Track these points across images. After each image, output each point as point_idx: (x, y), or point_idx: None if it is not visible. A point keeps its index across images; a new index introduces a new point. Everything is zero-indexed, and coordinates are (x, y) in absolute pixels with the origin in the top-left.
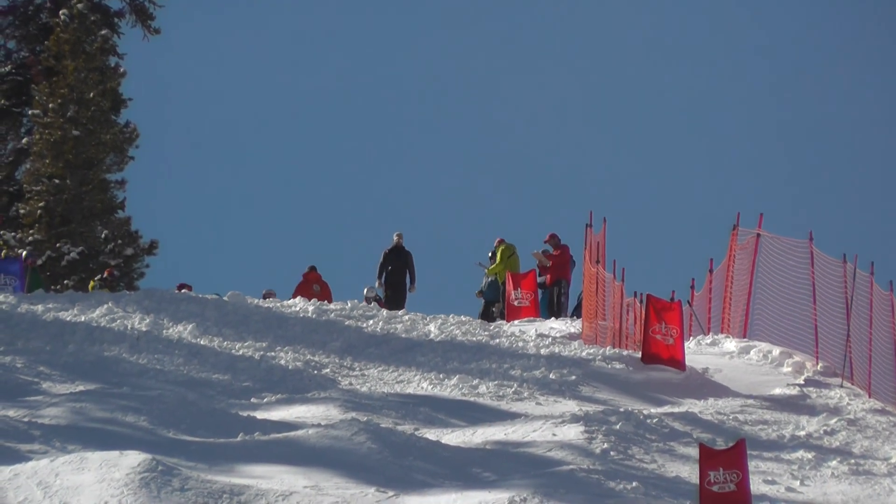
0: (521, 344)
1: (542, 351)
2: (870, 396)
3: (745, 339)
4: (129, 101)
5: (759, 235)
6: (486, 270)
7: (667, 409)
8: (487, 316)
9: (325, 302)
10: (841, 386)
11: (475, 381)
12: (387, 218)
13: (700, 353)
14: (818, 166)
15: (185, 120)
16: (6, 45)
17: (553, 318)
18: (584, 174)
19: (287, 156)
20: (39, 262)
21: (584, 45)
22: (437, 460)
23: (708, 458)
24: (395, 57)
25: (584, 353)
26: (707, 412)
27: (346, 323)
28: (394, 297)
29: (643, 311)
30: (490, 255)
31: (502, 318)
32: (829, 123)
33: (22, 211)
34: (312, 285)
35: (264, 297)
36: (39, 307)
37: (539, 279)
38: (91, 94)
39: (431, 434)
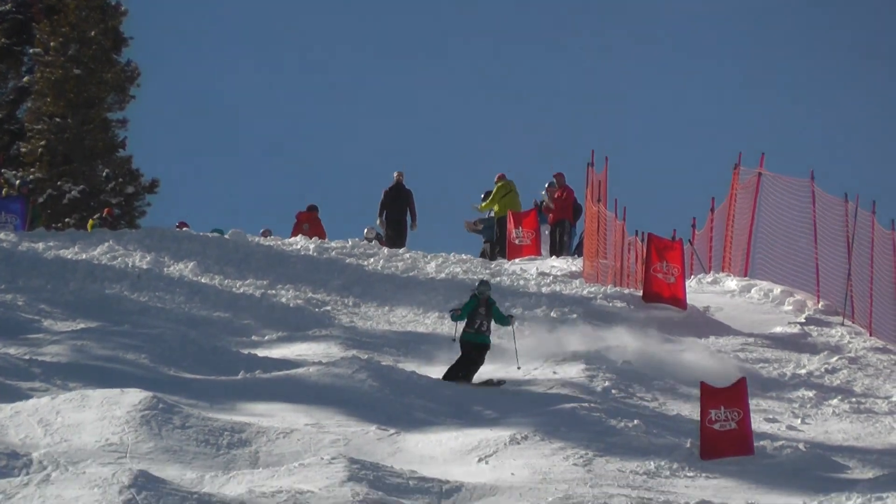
0: (522, 282)
1: (544, 289)
2: (871, 335)
3: (746, 278)
4: (130, 40)
5: (760, 174)
6: (478, 208)
7: (668, 346)
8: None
9: (325, 240)
10: (842, 324)
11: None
12: (388, 156)
13: (701, 291)
14: (820, 105)
15: (185, 59)
16: None
17: (554, 257)
18: (585, 113)
19: (288, 95)
20: (41, 199)
21: None
22: (439, 398)
23: (709, 396)
24: None
25: (585, 292)
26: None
27: (347, 261)
28: (395, 235)
29: (644, 250)
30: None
31: (502, 256)
32: (831, 61)
33: (23, 150)
34: (302, 225)
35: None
36: (40, 245)
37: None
38: (92, 33)
39: (432, 372)
